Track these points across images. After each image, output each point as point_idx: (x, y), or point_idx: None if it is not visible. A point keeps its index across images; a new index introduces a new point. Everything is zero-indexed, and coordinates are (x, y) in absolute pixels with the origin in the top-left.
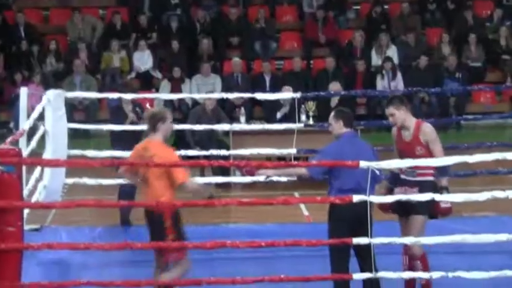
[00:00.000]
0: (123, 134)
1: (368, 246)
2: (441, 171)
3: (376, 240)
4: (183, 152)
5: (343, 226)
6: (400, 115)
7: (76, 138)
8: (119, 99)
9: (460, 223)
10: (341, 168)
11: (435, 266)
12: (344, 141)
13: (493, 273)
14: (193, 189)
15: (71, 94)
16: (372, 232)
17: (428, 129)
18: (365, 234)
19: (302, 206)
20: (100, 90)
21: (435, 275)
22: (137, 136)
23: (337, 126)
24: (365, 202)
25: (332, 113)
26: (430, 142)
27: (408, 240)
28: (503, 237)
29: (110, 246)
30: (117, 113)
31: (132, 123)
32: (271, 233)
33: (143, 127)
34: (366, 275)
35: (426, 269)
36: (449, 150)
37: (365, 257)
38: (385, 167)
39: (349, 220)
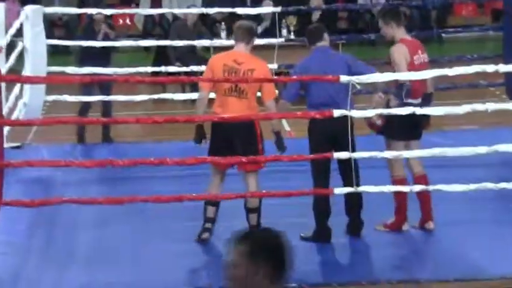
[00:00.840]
0: (93, 50)
1: (349, 161)
2: (396, 93)
3: (356, 155)
4: (163, 68)
5: (322, 141)
6: (387, 30)
7: (56, 55)
8: (90, 16)
9: (440, 136)
10: (311, 83)
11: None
12: (311, 57)
13: (472, 186)
14: (271, 109)
15: (49, 10)
16: (355, 146)
17: (393, 50)
18: (345, 149)
19: (284, 121)
20: (79, 6)
21: (416, 188)
22: (107, 52)
23: (307, 44)
24: (343, 116)
25: None
26: (394, 64)
27: (388, 154)
28: (482, 150)
29: (91, 163)
30: (88, 29)
31: (104, 38)
32: None
33: (114, 43)
34: (348, 190)
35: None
36: (430, 64)
37: (347, 172)
38: (363, 81)
39: (328, 135)
